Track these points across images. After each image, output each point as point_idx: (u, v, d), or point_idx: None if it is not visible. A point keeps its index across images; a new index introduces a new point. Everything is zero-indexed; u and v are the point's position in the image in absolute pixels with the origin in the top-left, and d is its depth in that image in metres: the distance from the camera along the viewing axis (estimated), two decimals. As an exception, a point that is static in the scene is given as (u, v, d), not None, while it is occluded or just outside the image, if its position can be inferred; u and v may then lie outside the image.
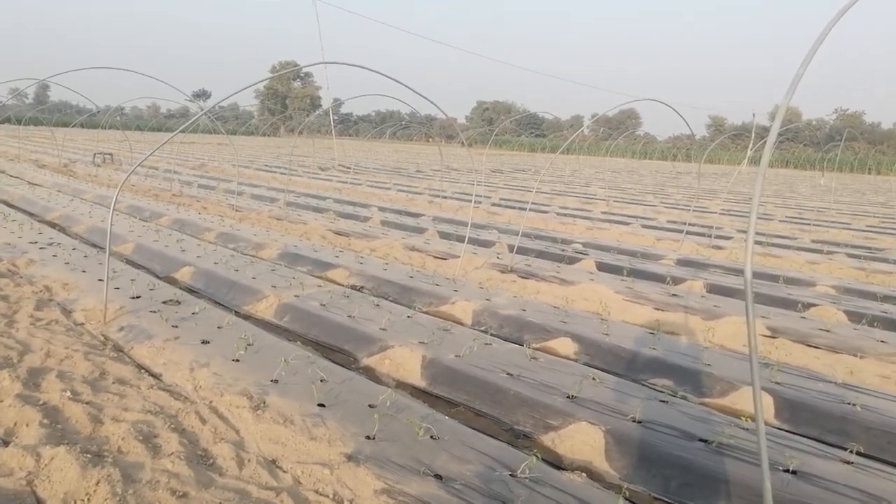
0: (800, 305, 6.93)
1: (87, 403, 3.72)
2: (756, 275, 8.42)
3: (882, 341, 5.77)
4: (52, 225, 10.23)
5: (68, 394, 3.82)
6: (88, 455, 3.09)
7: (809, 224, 15.23)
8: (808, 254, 10.85)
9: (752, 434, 3.76)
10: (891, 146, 67.43)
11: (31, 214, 11.05)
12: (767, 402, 4.36)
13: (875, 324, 6.34)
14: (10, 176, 17.39)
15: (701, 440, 3.68)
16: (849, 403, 4.29)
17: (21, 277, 6.65)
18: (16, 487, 2.85)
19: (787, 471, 3.35)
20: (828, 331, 6.03)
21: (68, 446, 3.12)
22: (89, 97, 18.79)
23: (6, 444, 3.25)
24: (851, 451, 3.58)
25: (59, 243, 8.29)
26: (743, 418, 4.03)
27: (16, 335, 4.79)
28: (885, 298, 7.54)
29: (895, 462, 3.73)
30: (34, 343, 4.65)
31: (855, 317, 6.65)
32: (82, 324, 5.41)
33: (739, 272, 8.92)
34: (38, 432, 3.31)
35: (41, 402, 3.69)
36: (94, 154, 24.00)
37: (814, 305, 7.01)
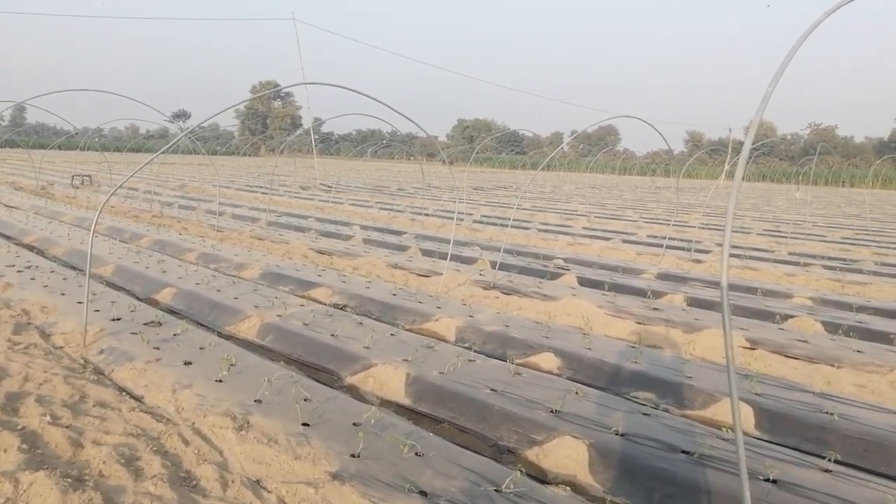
0: (778, 317, 7.04)
1: (67, 427, 3.68)
2: (734, 287, 8.55)
3: (858, 351, 5.87)
4: (30, 248, 10.10)
5: (48, 418, 3.77)
6: (69, 479, 3.05)
7: (786, 237, 15.48)
8: (786, 266, 11.03)
9: (732, 445, 3.81)
10: (863, 159, 68.82)
11: (7, 237, 10.91)
12: (747, 412, 4.42)
13: (851, 334, 6.46)
14: (-13, 199, 17.16)
15: (683, 452, 3.72)
16: (827, 413, 4.37)
17: (-2, 301, 6.56)
18: (-5, 514, 2.81)
19: (767, 480, 3.40)
20: (806, 341, 6.13)
21: (48, 471, 3.08)
22: (67, 119, 18.71)
23: (-16, 470, 3.20)
24: (830, 460, 3.64)
25: (37, 266, 8.20)
26: (724, 429, 4.09)
27: (-7, 360, 4.72)
28: (861, 309, 7.69)
29: (872, 470, 3.79)
30: (12, 367, 4.59)
31: (832, 327, 6.77)
32: (62, 347, 5.34)
33: (718, 285, 9.03)
34: (16, 457, 3.26)
35: (20, 427, 3.65)
36: (73, 176, 23.77)
37: (792, 317, 7.13)
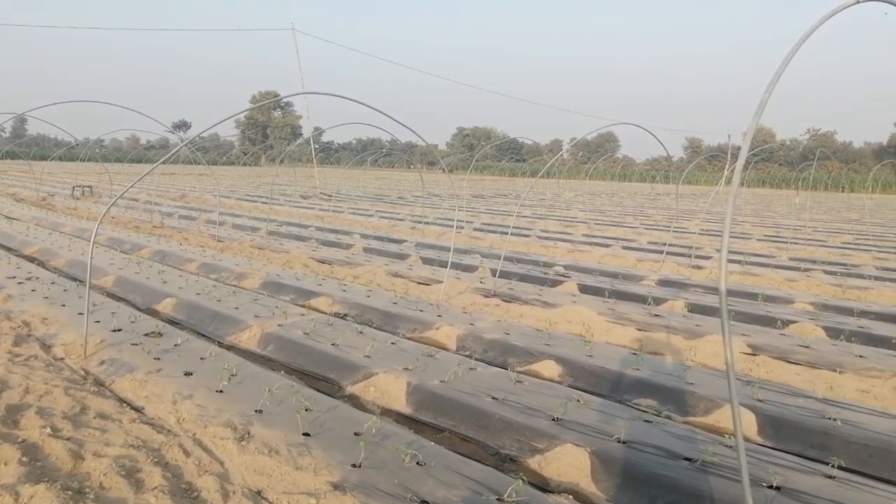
0: (779, 322, 7.03)
1: (67, 439, 3.67)
2: (735, 293, 8.54)
3: (860, 356, 5.86)
4: (31, 259, 10.11)
5: (48, 430, 3.76)
6: (69, 492, 3.04)
7: (786, 242, 15.48)
8: (786, 271, 11.02)
9: (735, 451, 3.79)
10: (863, 164, 68.94)
11: (8, 249, 10.92)
12: (749, 419, 4.40)
13: (853, 339, 6.44)
14: (-13, 210, 17.19)
15: (686, 459, 3.71)
16: (829, 418, 4.35)
17: (-1, 313, 6.55)
18: (-5, 527, 2.80)
19: (770, 487, 3.39)
20: (807, 347, 6.12)
21: (48, 484, 3.07)
22: (68, 130, 18.76)
23: (-16, 483, 3.20)
24: (833, 466, 3.62)
25: (37, 277, 8.20)
26: (726, 436, 4.07)
27: (-6, 372, 4.71)
28: (862, 314, 7.67)
29: (876, 476, 3.78)
30: (12, 379, 4.59)
31: (833, 332, 6.75)
32: (62, 358, 5.34)
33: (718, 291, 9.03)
34: (16, 470, 3.25)
35: (20, 440, 3.64)
36: (73, 187, 23.82)
37: (793, 322, 7.11)
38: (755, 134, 2.87)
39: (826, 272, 11.10)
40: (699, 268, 11.10)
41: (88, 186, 24.59)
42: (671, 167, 53.29)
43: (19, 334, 5.82)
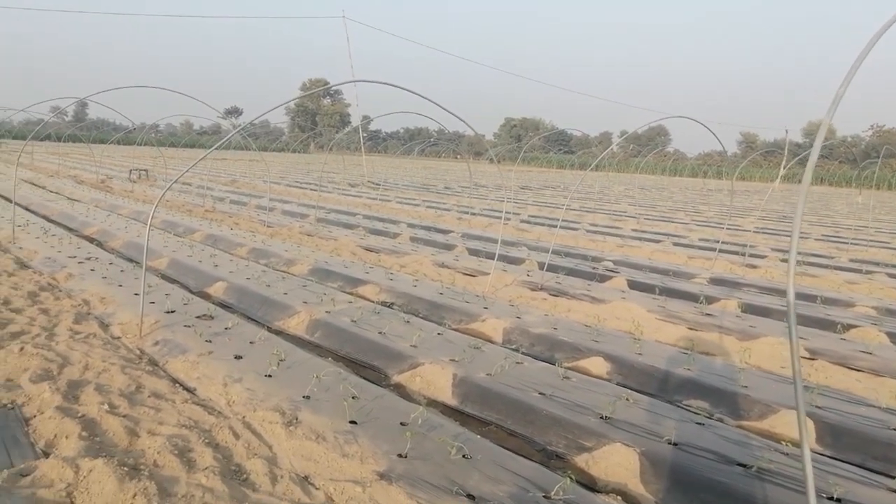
0: (839, 326, 6.76)
1: (123, 416, 3.77)
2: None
3: (927, 365, 5.59)
4: (90, 240, 10.46)
5: (106, 406, 3.87)
6: (125, 468, 3.12)
7: (847, 243, 14.89)
8: (847, 273, 10.60)
9: (793, 459, 3.66)
10: (930, 163, 65.71)
11: (70, 229, 11.33)
12: (809, 426, 4.24)
13: (919, 346, 6.15)
14: (50, 191, 17.89)
15: (739, 464, 3.59)
16: (894, 429, 4.16)
17: (61, 291, 6.80)
18: (55, 499, 2.89)
19: (830, 498, 3.25)
20: (870, 353, 5.87)
21: (106, 459, 3.16)
22: (126, 115, 19.30)
23: (46, 455, 3.31)
24: (898, 479, 3.46)
25: (96, 258, 8.48)
26: (783, 442, 3.93)
27: (56, 348, 4.89)
28: (929, 320, 7.31)
29: (945, 491, 3.59)
30: (73, 356, 4.75)
31: (897, 339, 6.46)
32: (119, 337, 5.50)
33: (775, 291, 8.75)
34: (77, 444, 3.36)
35: (80, 415, 3.76)
36: (130, 170, 24.57)
37: (854, 326, 6.83)
38: (814, 130, 2.74)
39: (889, 275, 10.63)
40: (753, 267, 10.76)
41: (144, 170, 25.33)
42: (724, 162, 51.87)
43: (80, 312, 6.02)
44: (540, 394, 4.49)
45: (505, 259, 9.91)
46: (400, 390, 4.81)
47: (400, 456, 3.47)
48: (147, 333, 5.50)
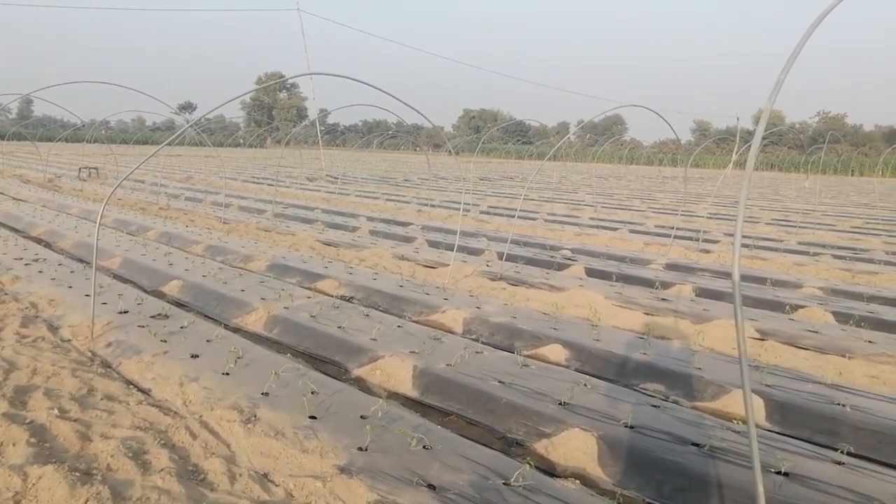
0: (788, 307, 6.98)
1: (74, 421, 3.67)
2: (744, 277, 8.47)
3: (869, 341, 5.82)
4: (38, 240, 10.13)
5: (56, 411, 3.77)
6: (77, 473, 3.05)
7: (795, 226, 15.37)
8: (795, 256, 10.95)
9: (743, 437, 3.78)
10: (873, 148, 68.18)
11: (15, 230, 10.94)
12: (758, 404, 4.38)
13: (862, 324, 6.40)
14: (-6, 192, 17.22)
15: (693, 444, 3.69)
16: (838, 404, 4.32)
17: (6, 294, 6.57)
18: (3, 508, 2.81)
19: (779, 473, 3.37)
20: (816, 332, 6.08)
21: (56, 465, 3.08)
22: (74, 111, 18.69)
23: (-7, 464, 3.21)
24: (842, 452, 3.60)
25: (44, 259, 8.21)
26: (734, 421, 4.05)
27: (1, 353, 4.72)
28: (872, 299, 7.61)
29: (886, 462, 3.75)
30: (20, 360, 4.60)
31: (842, 317, 6.70)
32: (69, 340, 5.35)
33: (727, 275, 8.98)
34: (25, 451, 3.26)
35: (28, 421, 3.64)
36: (80, 168, 23.81)
37: (802, 307, 7.06)
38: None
39: (835, 257, 11.02)
40: (707, 252, 11.03)
41: (94, 168, 24.59)
42: (679, 150, 52.95)
43: (27, 315, 5.83)
44: (499, 382, 4.53)
45: (465, 250, 9.95)
46: (360, 384, 4.80)
47: (360, 449, 3.47)
48: (99, 335, 5.36)
